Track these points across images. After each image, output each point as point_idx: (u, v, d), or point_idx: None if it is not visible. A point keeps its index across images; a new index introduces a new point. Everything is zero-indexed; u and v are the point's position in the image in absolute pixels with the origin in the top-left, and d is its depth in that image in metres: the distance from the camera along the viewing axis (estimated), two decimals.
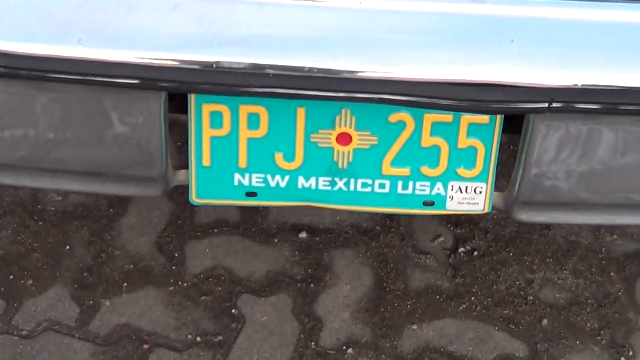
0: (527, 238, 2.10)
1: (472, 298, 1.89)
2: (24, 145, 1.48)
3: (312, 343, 1.80)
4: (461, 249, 1.99)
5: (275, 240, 1.98)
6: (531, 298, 1.92)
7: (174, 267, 1.92)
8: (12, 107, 1.42)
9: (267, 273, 1.93)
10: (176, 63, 1.30)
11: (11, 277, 1.90)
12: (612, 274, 1.99)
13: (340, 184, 1.47)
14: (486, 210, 1.55)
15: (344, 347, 1.81)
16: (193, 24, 1.30)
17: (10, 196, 2.05)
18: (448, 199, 1.50)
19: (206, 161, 1.46)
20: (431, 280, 1.92)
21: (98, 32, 1.31)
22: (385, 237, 2.02)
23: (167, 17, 1.31)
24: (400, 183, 1.48)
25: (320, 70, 1.29)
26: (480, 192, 1.50)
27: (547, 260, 2.02)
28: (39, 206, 2.01)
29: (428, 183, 1.49)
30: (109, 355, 1.78)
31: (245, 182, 1.47)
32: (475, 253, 2.02)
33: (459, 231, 2.05)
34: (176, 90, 1.38)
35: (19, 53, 1.33)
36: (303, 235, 1.99)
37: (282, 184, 1.47)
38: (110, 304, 1.84)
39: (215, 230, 2.00)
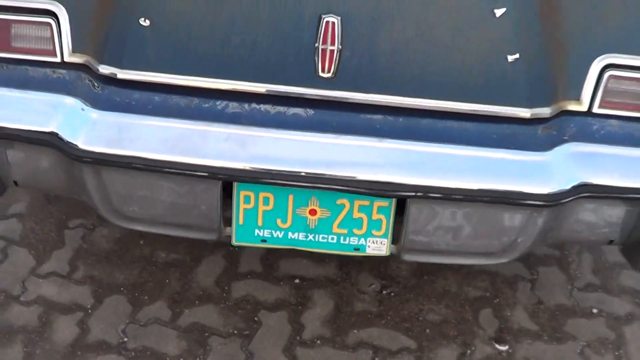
0: (422, 287, 2.01)
1: (388, 317, 1.90)
2: (152, 209, 1.51)
3: (298, 337, 1.82)
4: (384, 292, 1.97)
5: (281, 282, 1.97)
6: (422, 319, 1.89)
7: (224, 294, 1.93)
8: (143, 187, 1.46)
9: (275, 300, 1.91)
10: (227, 166, 1.38)
11: (136, 294, 1.91)
12: (467, 307, 1.95)
13: (310, 236, 1.52)
14: (387, 254, 1.54)
15: (315, 340, 1.82)
16: (235, 147, 1.39)
17: (138, 250, 2.05)
18: (367, 247, 1.53)
19: (241, 222, 1.50)
20: (366, 307, 1.92)
21: (189, 150, 1.38)
22: (342, 283, 1.99)
23: (222, 144, 1.39)
24: (342, 237, 1.52)
25: (301, 175, 1.38)
26: (384, 244, 1.52)
27: (432, 299, 1.96)
28: (153, 259, 2.02)
29: (356, 238, 1.52)
30: (188, 336, 1.80)
31: (261, 234, 1.52)
32: (392, 294, 1.97)
33: (383, 282, 2.00)
34: (226, 180, 1.43)
35: (148, 158, 1.38)
36: (297, 281, 1.99)
37: (280, 235, 1.52)
38: (188, 311, 1.86)
39: (248, 275, 1.99)
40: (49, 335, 1.79)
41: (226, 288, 1.98)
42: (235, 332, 1.86)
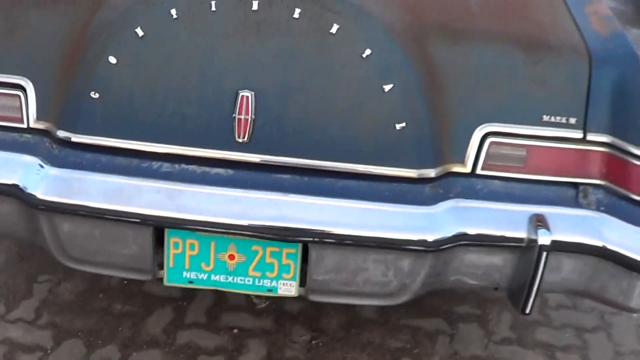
0: (349, 338, 2.18)
1: None
2: (95, 252, 1.73)
3: None
4: (313, 342, 2.16)
5: (221, 332, 2.17)
6: None
7: (170, 341, 2.11)
8: (87, 232, 1.68)
9: (214, 346, 2.11)
10: (156, 215, 1.61)
11: (91, 339, 2.10)
12: (388, 356, 2.14)
13: (230, 278, 1.72)
14: (296, 295, 1.73)
15: None
16: (165, 199, 1.62)
17: (97, 302, 2.24)
18: (278, 288, 1.73)
19: (171, 264, 1.71)
20: (295, 355, 2.11)
21: (125, 200, 1.61)
22: (276, 334, 2.18)
23: (154, 196, 1.62)
24: (256, 279, 1.72)
25: (220, 224, 1.61)
26: (292, 286, 1.72)
27: (356, 349, 2.14)
28: (110, 309, 2.23)
29: (269, 281, 1.72)
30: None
31: (188, 276, 1.73)
32: (320, 344, 2.15)
33: (314, 333, 2.19)
34: (156, 226, 1.66)
35: (90, 206, 1.61)
36: (235, 330, 2.18)
37: (204, 278, 1.73)
38: (136, 354, 2.05)
39: (192, 325, 2.19)
40: None
41: (172, 336, 2.19)
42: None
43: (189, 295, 2.33)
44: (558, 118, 1.71)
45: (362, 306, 2.25)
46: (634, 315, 2.37)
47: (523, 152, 1.73)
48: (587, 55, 1.72)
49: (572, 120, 1.71)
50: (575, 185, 1.75)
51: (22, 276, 2.38)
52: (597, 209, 1.72)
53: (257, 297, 2.33)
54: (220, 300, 2.34)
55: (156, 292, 2.35)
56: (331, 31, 1.63)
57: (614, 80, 1.71)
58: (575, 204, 1.73)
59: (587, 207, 1.73)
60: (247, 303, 2.32)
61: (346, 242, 1.64)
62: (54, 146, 1.71)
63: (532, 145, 1.72)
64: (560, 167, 1.74)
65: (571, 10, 1.92)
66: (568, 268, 1.73)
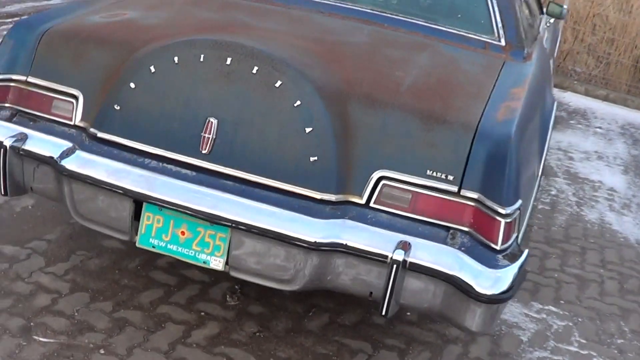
0: (284, 337, 2.69)
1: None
2: (95, 212, 2.47)
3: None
4: (257, 334, 2.72)
5: (202, 313, 2.92)
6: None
7: None
8: (92, 196, 2.42)
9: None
10: (135, 190, 2.32)
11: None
12: (310, 356, 2.67)
13: (180, 249, 2.37)
14: (222, 269, 2.34)
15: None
16: (146, 183, 2.32)
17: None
18: (211, 262, 2.35)
19: (143, 231, 2.38)
20: (238, 338, 2.71)
21: (118, 178, 2.35)
22: (232, 323, 2.74)
23: (138, 179, 2.33)
24: (197, 253, 2.35)
25: (177, 204, 2.29)
26: (221, 262, 2.33)
27: (286, 346, 2.68)
28: (137, 274, 3.16)
29: (205, 255, 2.34)
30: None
31: (153, 242, 2.38)
32: (262, 336, 2.71)
33: (260, 329, 2.76)
34: (136, 199, 2.34)
35: (94, 177, 2.37)
36: (202, 314, 2.96)
37: (163, 245, 2.38)
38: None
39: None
40: None
41: (154, 306, 2.88)
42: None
43: (180, 283, 3.04)
44: (439, 174, 2.30)
45: (277, 291, 2.67)
46: None
47: (409, 196, 2.32)
48: (473, 132, 2.31)
49: (451, 177, 2.28)
50: (447, 228, 2.30)
51: (66, 248, 3.19)
52: (459, 249, 2.25)
53: (230, 295, 3.00)
54: (202, 292, 3.01)
55: (158, 277, 3.07)
56: (275, 85, 2.36)
57: (489, 152, 2.28)
58: (444, 242, 2.28)
59: (452, 246, 2.26)
60: (222, 299, 2.98)
61: (256, 232, 2.29)
62: (86, 138, 2.53)
63: (416, 192, 2.32)
64: (437, 212, 2.31)
65: (489, 100, 2.52)
66: (424, 288, 2.27)
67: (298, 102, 2.33)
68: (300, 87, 2.33)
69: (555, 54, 5.76)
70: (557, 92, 7.16)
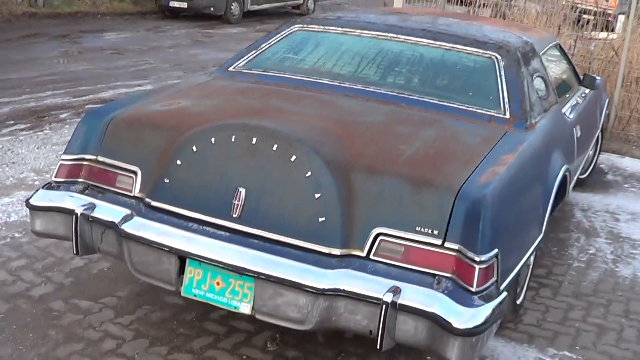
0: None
1: None
2: (147, 265, 3.12)
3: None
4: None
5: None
6: None
7: None
8: (144, 253, 3.06)
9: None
10: (181, 248, 2.86)
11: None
12: None
13: (216, 296, 2.86)
14: (249, 313, 2.82)
15: None
16: (187, 242, 2.92)
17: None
18: (240, 307, 2.83)
19: (186, 282, 2.89)
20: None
21: (165, 238, 3.07)
22: None
23: (181, 239, 3.05)
24: (229, 299, 2.84)
25: (213, 260, 2.81)
26: (248, 307, 2.81)
27: None
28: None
29: (236, 301, 2.83)
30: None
31: (194, 292, 2.88)
32: None
33: None
34: (180, 255, 2.88)
35: (146, 238, 3.11)
36: (244, 357, 3.50)
37: (202, 294, 2.88)
38: None
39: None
40: None
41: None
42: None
43: (228, 332, 3.55)
44: (427, 229, 2.75)
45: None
46: None
47: (402, 248, 2.78)
48: (455, 193, 2.76)
49: (436, 232, 2.73)
50: (434, 275, 2.75)
51: (133, 303, 3.72)
52: (443, 292, 2.69)
53: (271, 342, 3.48)
54: (246, 339, 3.49)
55: (210, 327, 3.58)
56: (291, 159, 2.90)
57: (467, 210, 2.73)
58: (430, 287, 2.72)
59: (436, 290, 2.71)
60: (263, 345, 3.46)
61: (275, 281, 2.79)
62: (142, 206, 3.13)
63: (407, 245, 2.77)
64: (425, 261, 2.76)
65: (479, 166, 2.96)
66: (413, 326, 2.70)
67: (309, 173, 2.84)
68: (310, 160, 2.85)
69: (601, 122, 6.05)
70: (614, 158, 7.39)
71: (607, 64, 7.92)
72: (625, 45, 7.58)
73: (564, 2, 9.34)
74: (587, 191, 6.31)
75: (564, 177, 3.87)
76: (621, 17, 9.65)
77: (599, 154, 6.62)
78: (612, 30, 9.49)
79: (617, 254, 5.04)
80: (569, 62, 5.22)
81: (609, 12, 10.21)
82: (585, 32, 8.29)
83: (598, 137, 6.18)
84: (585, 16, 8.93)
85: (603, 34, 8.13)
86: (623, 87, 7.75)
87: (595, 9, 8.83)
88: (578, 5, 9.36)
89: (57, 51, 10.39)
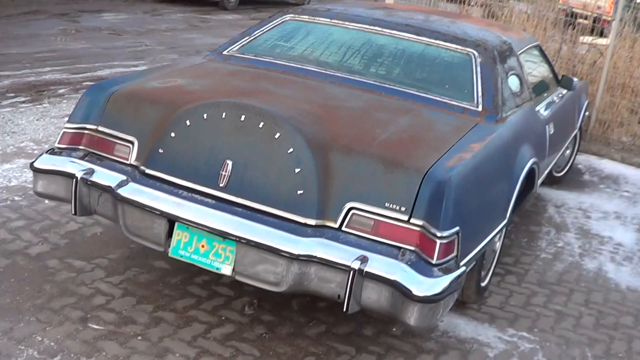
0: (288, 336, 3.61)
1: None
2: (138, 228, 3.51)
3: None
4: (264, 335, 3.65)
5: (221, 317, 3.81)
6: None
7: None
8: (137, 216, 3.44)
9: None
10: (170, 212, 3.18)
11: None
12: (301, 353, 3.59)
13: (200, 258, 3.14)
14: (230, 274, 3.12)
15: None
16: (177, 207, 3.32)
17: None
18: (222, 268, 3.11)
19: (174, 244, 3.17)
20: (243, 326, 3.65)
21: (156, 202, 3.36)
22: (245, 326, 3.75)
23: (171, 204, 3.44)
24: (212, 261, 3.13)
25: (197, 223, 3.15)
26: (229, 269, 3.10)
27: (283, 341, 3.59)
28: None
29: (218, 263, 3.11)
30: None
31: (181, 253, 3.17)
32: (267, 336, 3.67)
33: (267, 329, 3.73)
34: (169, 219, 3.17)
35: (139, 202, 3.47)
36: (223, 317, 3.82)
37: (188, 255, 3.17)
38: None
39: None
40: None
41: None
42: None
43: (210, 295, 3.87)
44: (395, 206, 3.05)
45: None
46: None
47: (371, 222, 3.08)
48: (423, 175, 3.07)
49: (403, 209, 3.04)
50: (399, 247, 3.05)
51: (123, 265, 4.04)
52: (406, 263, 3.01)
53: (248, 306, 3.80)
54: (226, 302, 3.81)
55: (193, 290, 3.90)
56: (275, 136, 3.21)
57: (432, 190, 3.04)
58: (395, 258, 3.04)
59: (401, 261, 3.02)
60: (241, 308, 3.79)
61: (254, 245, 3.09)
62: (137, 174, 3.43)
63: (377, 219, 3.07)
64: (392, 235, 3.06)
65: (448, 152, 3.26)
66: (377, 292, 3.01)
67: (291, 150, 3.15)
68: (293, 138, 3.16)
69: (580, 122, 6.37)
70: (592, 159, 7.73)
71: (591, 68, 8.23)
72: (609, 50, 7.90)
73: (559, 6, 9.65)
74: (563, 189, 6.64)
75: (532, 170, 4.17)
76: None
77: (576, 153, 6.94)
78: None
79: (584, 249, 5.37)
80: (549, 63, 5.53)
81: (605, 18, 10.50)
82: (573, 37, 8.59)
83: (576, 137, 6.49)
84: (580, 21, 9.22)
85: (589, 38, 8.43)
86: (608, 91, 8.07)
87: (589, 14, 9.10)
88: (574, 10, 9.66)
89: (56, 29, 10.65)
